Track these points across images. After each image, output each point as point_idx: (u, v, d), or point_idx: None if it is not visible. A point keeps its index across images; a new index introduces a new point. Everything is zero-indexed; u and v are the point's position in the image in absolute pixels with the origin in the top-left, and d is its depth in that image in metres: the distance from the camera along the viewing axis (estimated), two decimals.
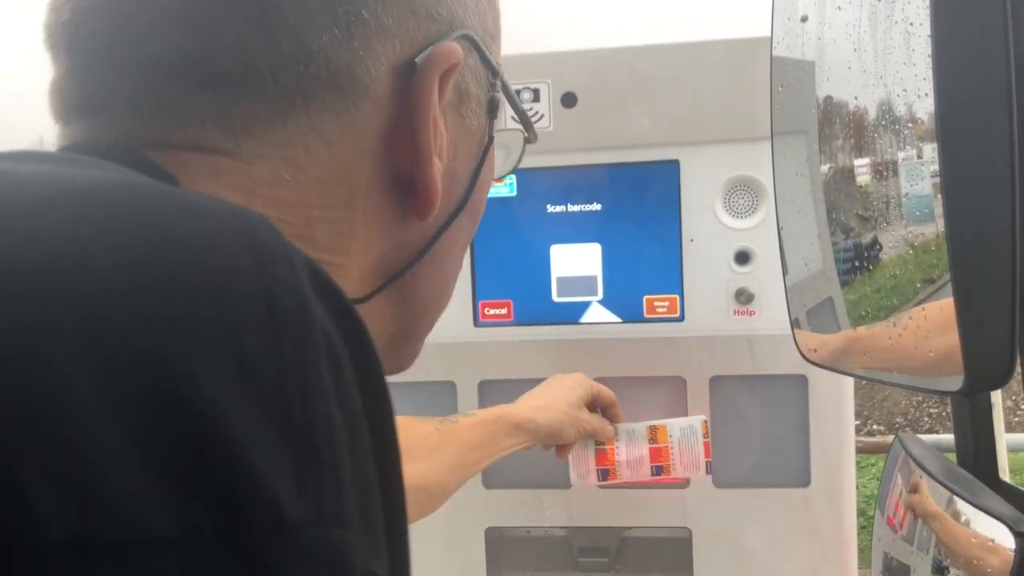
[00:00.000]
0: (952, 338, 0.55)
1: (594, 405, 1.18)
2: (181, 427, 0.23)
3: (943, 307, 0.58)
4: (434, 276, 0.49)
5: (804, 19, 0.79)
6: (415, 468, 0.96)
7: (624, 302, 1.23)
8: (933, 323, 0.63)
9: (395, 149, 0.42)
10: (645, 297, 1.22)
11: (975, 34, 0.55)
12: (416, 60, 0.41)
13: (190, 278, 0.25)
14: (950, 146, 0.57)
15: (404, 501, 0.31)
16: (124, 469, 0.22)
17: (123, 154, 0.36)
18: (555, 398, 1.12)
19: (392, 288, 0.46)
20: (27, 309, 0.23)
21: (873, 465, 4.59)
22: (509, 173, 0.58)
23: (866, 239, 0.77)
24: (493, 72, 0.47)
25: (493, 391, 1.24)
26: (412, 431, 1.00)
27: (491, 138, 0.48)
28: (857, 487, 1.26)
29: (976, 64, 0.55)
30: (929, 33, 0.56)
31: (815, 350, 0.80)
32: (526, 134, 0.57)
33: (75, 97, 0.40)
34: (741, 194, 1.19)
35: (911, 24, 0.58)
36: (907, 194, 0.69)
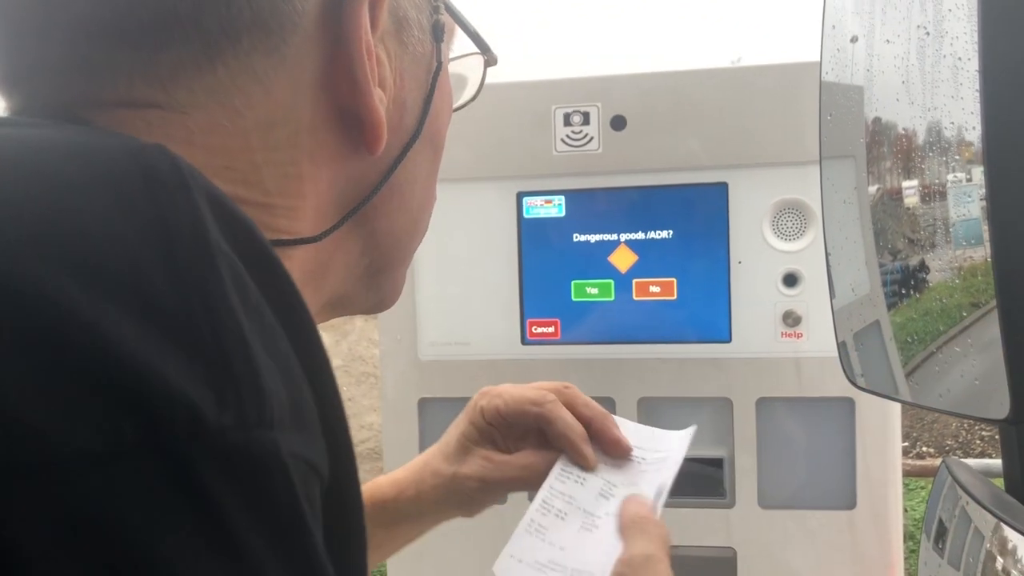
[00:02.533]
0: None
1: (511, 434, 0.74)
2: (88, 353, 0.24)
3: None
4: (399, 208, 0.48)
5: (854, 39, 0.80)
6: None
7: (672, 322, 1.24)
8: None
9: (334, 83, 0.41)
10: (693, 318, 1.23)
11: (1023, 68, 0.56)
12: None
13: (83, 219, 0.27)
14: (997, 178, 0.58)
15: (338, 398, 0.33)
16: (37, 397, 0.23)
17: (56, 116, 0.37)
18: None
19: (355, 223, 0.45)
20: None
21: (923, 488, 4.51)
22: (472, 99, 0.57)
23: (913, 262, 0.78)
24: None
25: None
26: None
27: (439, 63, 0.47)
28: (906, 510, 1.25)
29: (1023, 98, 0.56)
30: (977, 68, 0.57)
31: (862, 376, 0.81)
32: (485, 57, 0.55)
33: (7, 69, 0.40)
34: (789, 217, 1.20)
35: (959, 59, 0.60)
36: (955, 219, 0.70)
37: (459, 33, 0.51)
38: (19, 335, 0.24)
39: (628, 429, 0.97)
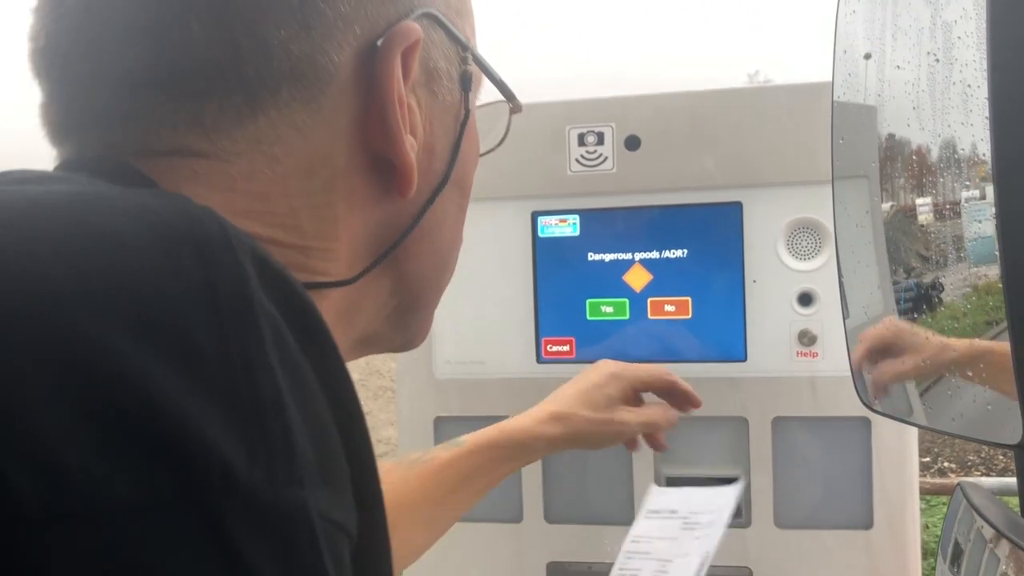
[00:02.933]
0: None
1: (637, 396, 1.02)
2: (131, 406, 0.25)
3: None
4: (427, 251, 0.50)
5: (867, 56, 0.81)
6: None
7: (687, 341, 1.24)
8: None
9: (368, 130, 0.43)
10: (708, 337, 1.23)
11: None
12: (377, 43, 0.42)
13: (132, 275, 0.28)
14: (1008, 203, 0.58)
15: (371, 455, 0.34)
16: (83, 446, 0.24)
17: (107, 166, 0.38)
18: (573, 403, 0.96)
19: (386, 265, 0.47)
20: None
21: (944, 504, 4.46)
22: (499, 144, 0.59)
23: (927, 280, 0.78)
24: (462, 47, 0.48)
25: None
26: None
27: (467, 111, 0.49)
28: (928, 527, 1.25)
29: None
30: (987, 95, 0.57)
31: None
32: (511, 104, 0.57)
33: (60, 118, 0.42)
34: (804, 236, 1.20)
35: (969, 86, 0.60)
36: (969, 238, 0.70)
37: (486, 81, 0.53)
38: (66, 384, 0.25)
39: (680, 495, 1.02)
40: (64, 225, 0.29)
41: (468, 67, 0.48)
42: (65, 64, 0.41)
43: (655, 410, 1.01)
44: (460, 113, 0.49)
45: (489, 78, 0.53)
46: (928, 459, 6.18)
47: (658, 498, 1.06)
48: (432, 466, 0.89)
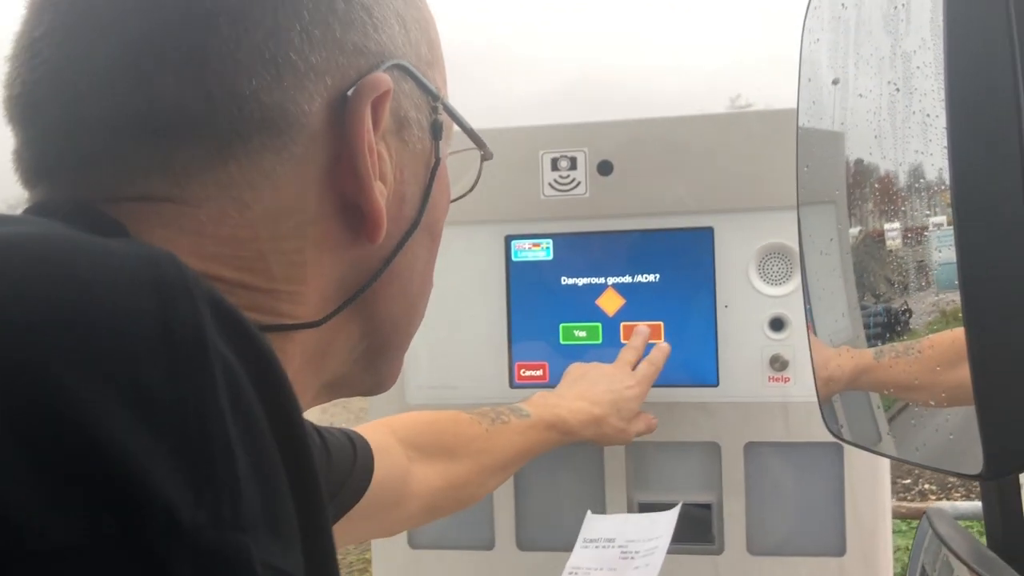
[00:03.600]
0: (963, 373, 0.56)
1: None
2: (78, 446, 0.25)
3: (954, 339, 0.58)
4: (397, 294, 0.51)
5: (835, 82, 0.81)
6: (459, 467, 0.99)
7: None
8: (943, 357, 0.64)
9: (339, 178, 0.44)
10: (680, 362, 1.23)
11: (991, 125, 0.57)
12: (348, 93, 0.43)
13: (90, 315, 0.28)
14: (966, 235, 0.58)
15: (321, 505, 0.34)
16: (28, 486, 0.24)
17: (76, 211, 0.39)
18: (609, 411, 1.09)
19: (355, 309, 0.48)
20: None
21: None
22: (470, 191, 0.61)
23: (895, 304, 0.78)
24: (433, 97, 0.49)
25: None
26: (463, 431, 1.02)
27: (437, 159, 0.51)
28: (908, 549, 1.25)
29: (991, 156, 0.57)
30: (945, 125, 0.58)
31: (831, 380, 0.81)
32: (481, 152, 0.59)
33: (33, 163, 0.43)
34: (775, 261, 1.21)
35: (928, 115, 0.60)
36: (936, 263, 0.70)
37: (457, 129, 0.55)
38: (14, 422, 0.25)
39: (616, 522, 1.01)
40: (25, 265, 0.29)
41: (438, 116, 0.50)
42: (40, 110, 0.42)
43: (648, 420, 1.15)
44: (431, 160, 0.50)
45: (460, 126, 0.54)
46: (909, 481, 6.19)
47: (594, 526, 1.05)
48: (508, 429, 1.02)
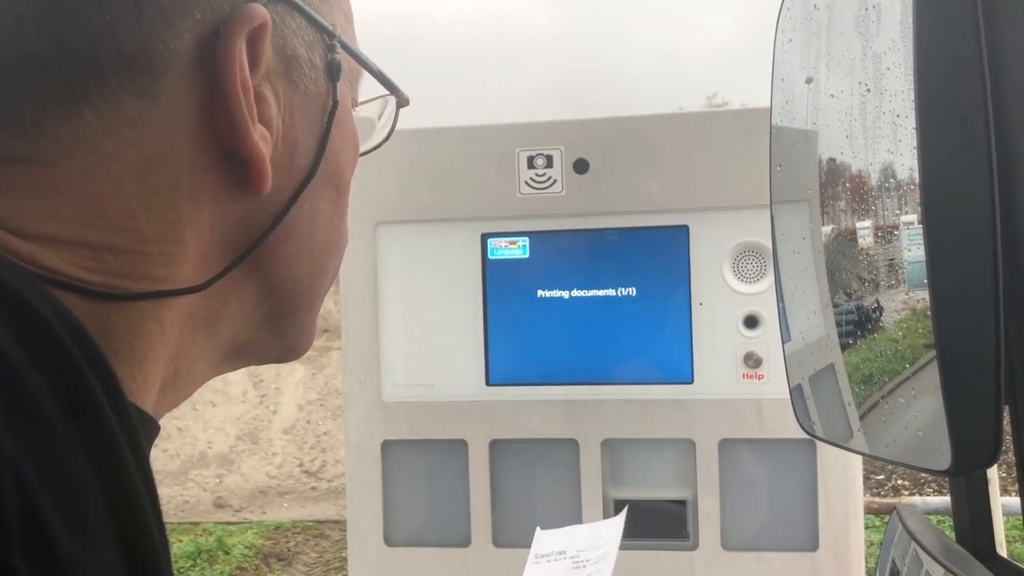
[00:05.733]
0: None
1: None
2: None
3: None
4: (296, 251, 0.46)
5: (809, 81, 0.82)
6: None
7: (634, 364, 1.25)
8: None
9: (214, 123, 0.40)
10: (655, 360, 1.24)
11: (959, 126, 0.58)
12: (219, 28, 0.39)
13: None
14: (935, 232, 0.59)
15: (139, 502, 0.32)
16: None
17: None
18: None
19: (248, 268, 0.43)
20: None
21: None
22: (384, 141, 0.55)
23: (866, 303, 0.79)
24: (328, 34, 0.45)
25: (504, 450, 1.26)
26: None
27: (335, 101, 0.45)
28: (880, 544, 1.26)
29: (960, 156, 0.58)
30: (914, 126, 0.58)
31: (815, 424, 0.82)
32: (396, 97, 0.53)
33: None
34: (749, 259, 1.22)
35: (897, 116, 0.61)
36: (907, 262, 0.71)
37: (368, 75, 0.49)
38: None
39: (565, 535, 1.01)
40: None
41: (335, 55, 0.45)
42: None
43: None
44: (327, 104, 0.45)
45: (365, 67, 0.49)
46: (882, 477, 6.25)
47: (543, 542, 1.05)
48: None
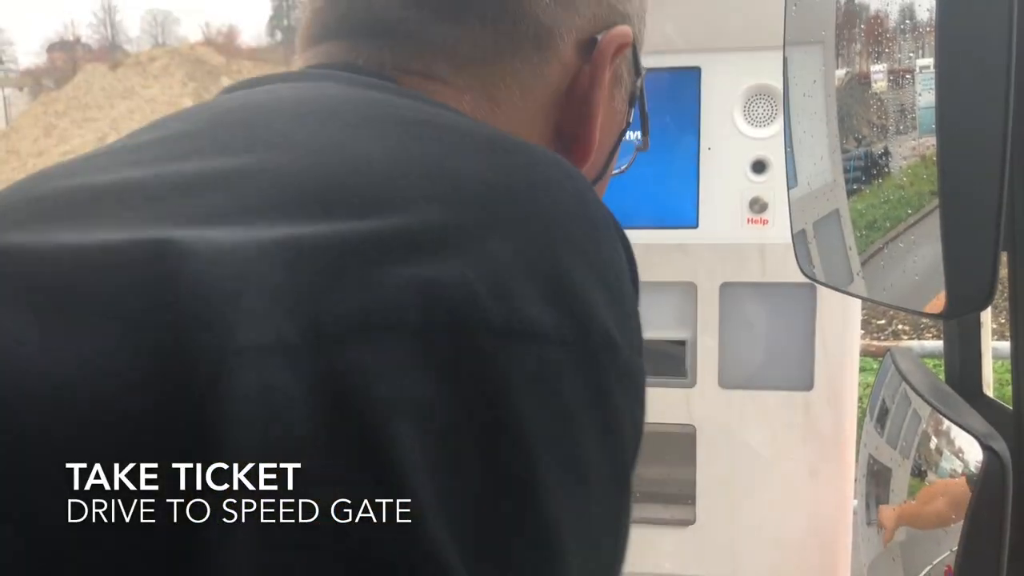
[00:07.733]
0: None
1: None
2: (560, 287, 0.33)
3: None
4: None
5: None
6: None
7: (640, 208, 1.25)
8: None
9: (565, 108, 0.48)
10: (661, 204, 1.24)
11: None
12: (597, 36, 0.48)
13: (569, 207, 0.37)
14: (946, 69, 0.58)
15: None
16: (533, 300, 0.32)
17: (377, 74, 0.44)
18: None
19: None
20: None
21: None
22: (624, 170, 0.63)
23: (876, 148, 0.79)
24: (639, 69, 0.53)
25: None
26: None
27: (628, 123, 0.54)
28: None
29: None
30: None
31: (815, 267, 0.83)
32: (639, 143, 0.62)
33: (334, 21, 0.47)
34: (760, 103, 1.20)
35: None
36: (920, 106, 0.70)
37: None
38: (591, 257, 0.35)
39: None
40: (503, 155, 0.37)
41: (640, 86, 0.53)
42: None
43: None
44: (622, 123, 0.53)
45: (639, 109, 0.57)
46: (883, 322, 6.36)
47: None
48: None
